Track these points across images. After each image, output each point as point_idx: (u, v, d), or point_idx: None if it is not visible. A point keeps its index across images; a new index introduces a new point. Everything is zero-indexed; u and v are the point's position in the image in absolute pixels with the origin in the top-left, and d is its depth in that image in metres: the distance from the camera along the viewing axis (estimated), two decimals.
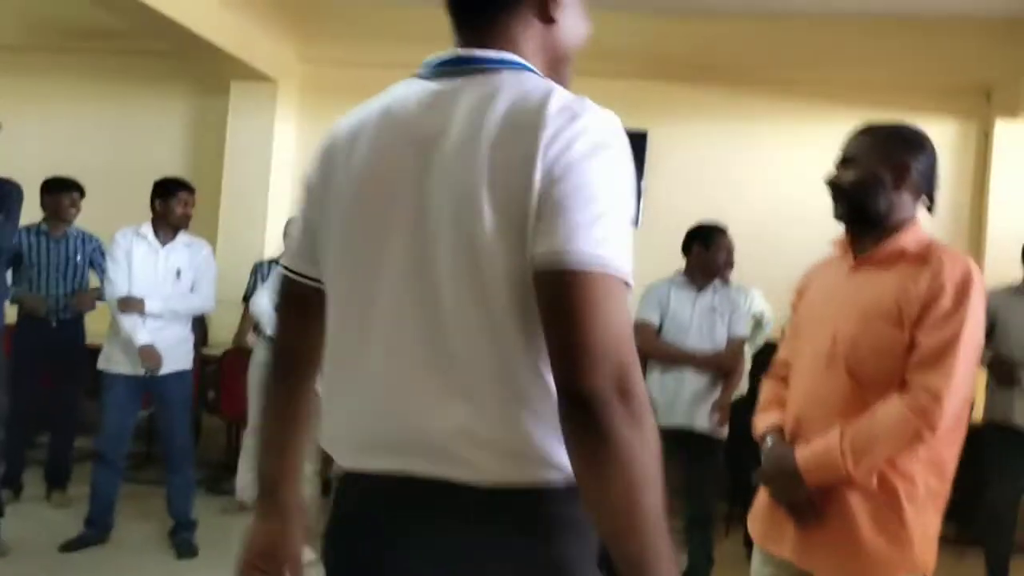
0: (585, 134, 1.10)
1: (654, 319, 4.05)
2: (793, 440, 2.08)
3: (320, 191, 1.29)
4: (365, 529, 1.19)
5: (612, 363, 1.02)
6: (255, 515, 1.42)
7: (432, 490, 1.12)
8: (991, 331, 4.42)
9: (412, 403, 1.14)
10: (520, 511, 1.11)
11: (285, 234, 4.60)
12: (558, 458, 1.09)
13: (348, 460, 1.24)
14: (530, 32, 1.24)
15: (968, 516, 4.75)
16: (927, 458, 1.96)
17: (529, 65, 1.21)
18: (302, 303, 1.35)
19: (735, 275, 4.52)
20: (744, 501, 3.43)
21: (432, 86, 1.22)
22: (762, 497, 2.17)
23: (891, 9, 5.78)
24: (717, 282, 4.18)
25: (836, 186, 2.11)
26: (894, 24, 5.90)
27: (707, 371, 4.03)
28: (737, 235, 4.44)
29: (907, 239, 2.01)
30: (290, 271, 1.36)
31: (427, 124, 1.18)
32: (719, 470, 4.23)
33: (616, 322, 1.03)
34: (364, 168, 1.22)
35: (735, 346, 4.08)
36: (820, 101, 6.14)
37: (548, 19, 1.24)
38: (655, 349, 4.05)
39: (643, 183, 6.21)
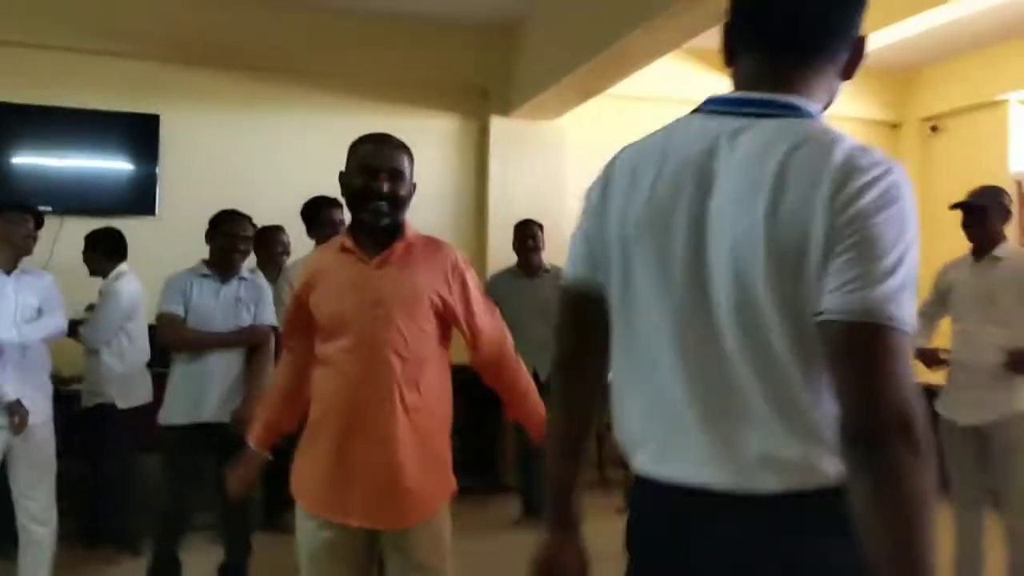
0: (874, 186, 1.11)
1: (178, 310, 3.83)
2: None
3: (599, 210, 1.36)
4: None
5: (896, 414, 1.06)
6: (545, 525, 1.45)
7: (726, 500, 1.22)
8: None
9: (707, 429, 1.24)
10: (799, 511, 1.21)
11: None
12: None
13: (647, 467, 1.32)
14: (826, 84, 1.27)
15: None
16: (440, 388, 2.29)
17: (815, 111, 1.24)
18: (583, 308, 1.41)
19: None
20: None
21: (718, 123, 1.25)
22: (322, 467, 2.22)
23: (398, 9, 6.18)
24: (246, 271, 4.07)
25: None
26: (401, 23, 6.34)
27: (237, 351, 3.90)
28: (259, 220, 4.42)
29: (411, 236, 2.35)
30: (574, 279, 1.42)
31: (712, 162, 1.23)
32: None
33: (904, 373, 1.08)
34: (646, 205, 1.28)
35: (261, 330, 3.99)
36: (335, 92, 6.35)
37: (847, 77, 1.29)
38: (181, 339, 3.84)
39: (158, 169, 5.87)
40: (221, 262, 3.95)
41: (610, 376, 1.42)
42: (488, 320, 2.38)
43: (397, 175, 2.23)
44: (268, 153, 6.20)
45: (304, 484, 2.29)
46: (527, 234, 5.40)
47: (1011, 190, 5.64)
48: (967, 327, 3.67)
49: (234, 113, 6.21)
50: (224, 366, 3.88)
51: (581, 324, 1.44)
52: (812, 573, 1.20)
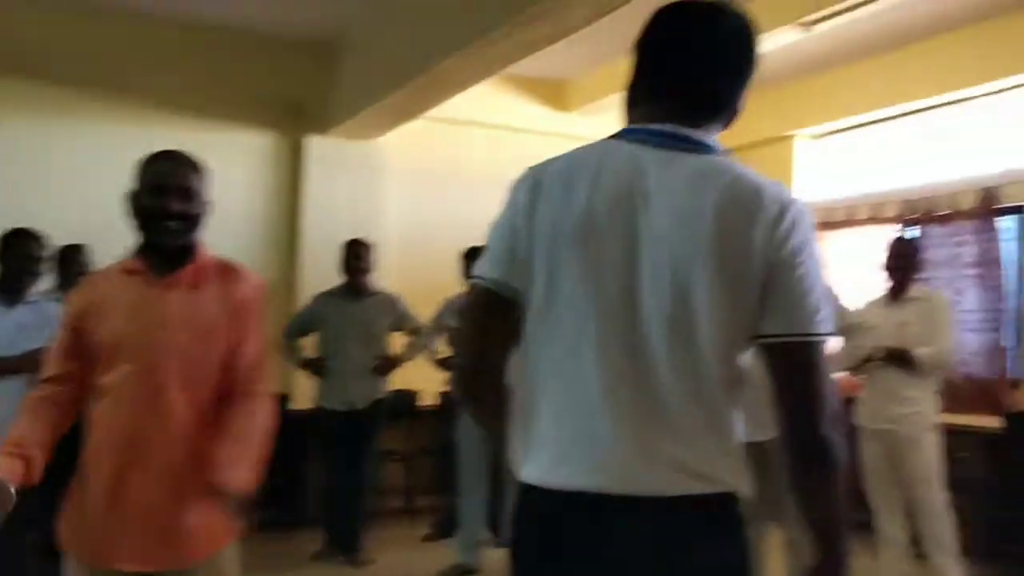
0: (799, 226, 1.35)
1: None
2: None
3: (528, 212, 1.42)
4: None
5: (832, 411, 1.34)
6: None
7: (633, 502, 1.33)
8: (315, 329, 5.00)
9: (630, 440, 1.34)
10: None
11: None
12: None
13: (541, 475, 1.38)
14: (716, 130, 1.48)
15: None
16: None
17: (722, 150, 1.43)
18: (494, 310, 1.44)
19: None
20: None
21: (644, 152, 1.40)
22: (93, 508, 2.08)
23: (214, 20, 5.98)
24: (37, 295, 3.79)
25: None
26: (212, 36, 6.13)
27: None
28: (58, 238, 4.18)
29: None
30: (491, 280, 1.43)
31: (643, 185, 1.37)
32: None
33: (828, 377, 1.36)
34: (583, 214, 1.37)
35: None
36: (145, 104, 6.03)
37: (726, 127, 1.50)
38: None
39: None
40: (9, 285, 3.67)
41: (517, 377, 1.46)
42: (249, 362, 2.22)
43: (187, 193, 2.16)
44: (72, 167, 5.80)
45: (73, 532, 2.13)
46: (355, 254, 5.17)
47: None
48: None
49: (37, 125, 5.78)
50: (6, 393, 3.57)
51: (490, 327, 1.47)
52: (716, 572, 1.35)
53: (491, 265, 1.46)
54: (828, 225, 6.91)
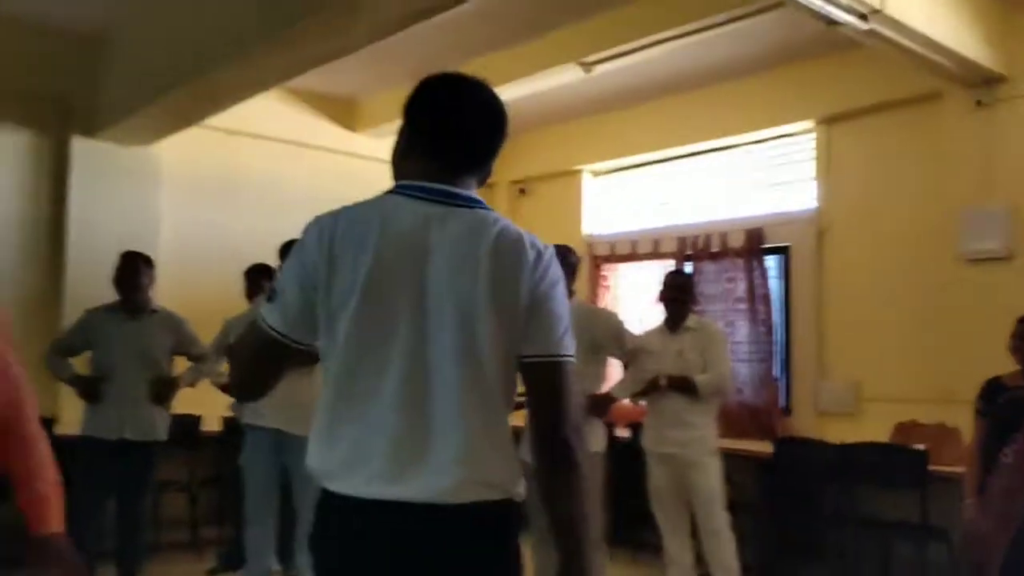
0: (551, 268, 1.62)
1: None
2: None
3: (325, 264, 1.57)
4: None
5: (575, 420, 1.60)
6: None
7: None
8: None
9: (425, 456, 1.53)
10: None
11: None
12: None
13: (359, 489, 1.54)
14: (474, 185, 1.70)
15: None
16: None
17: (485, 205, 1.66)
18: (278, 353, 1.64)
19: None
20: None
21: (423, 207, 1.60)
22: None
23: None
24: None
25: None
26: None
27: None
28: None
29: None
30: (281, 334, 1.61)
31: (426, 237, 1.57)
32: None
33: (576, 393, 1.63)
34: (373, 266, 1.54)
35: None
36: None
37: (481, 185, 1.72)
38: None
39: None
40: None
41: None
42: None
43: None
44: None
45: None
46: (132, 268, 4.58)
47: (582, 250, 6.33)
48: None
49: None
50: None
51: (270, 369, 1.69)
52: (497, 568, 1.59)
53: (283, 318, 1.62)
54: (613, 258, 7.15)
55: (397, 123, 6.46)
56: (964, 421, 4.92)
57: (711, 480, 4.31)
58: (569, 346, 1.63)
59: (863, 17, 4.10)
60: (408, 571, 1.53)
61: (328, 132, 7.17)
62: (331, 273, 1.57)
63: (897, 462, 4.85)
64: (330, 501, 1.58)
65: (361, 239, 1.56)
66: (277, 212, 6.57)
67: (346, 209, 1.63)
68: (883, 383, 5.57)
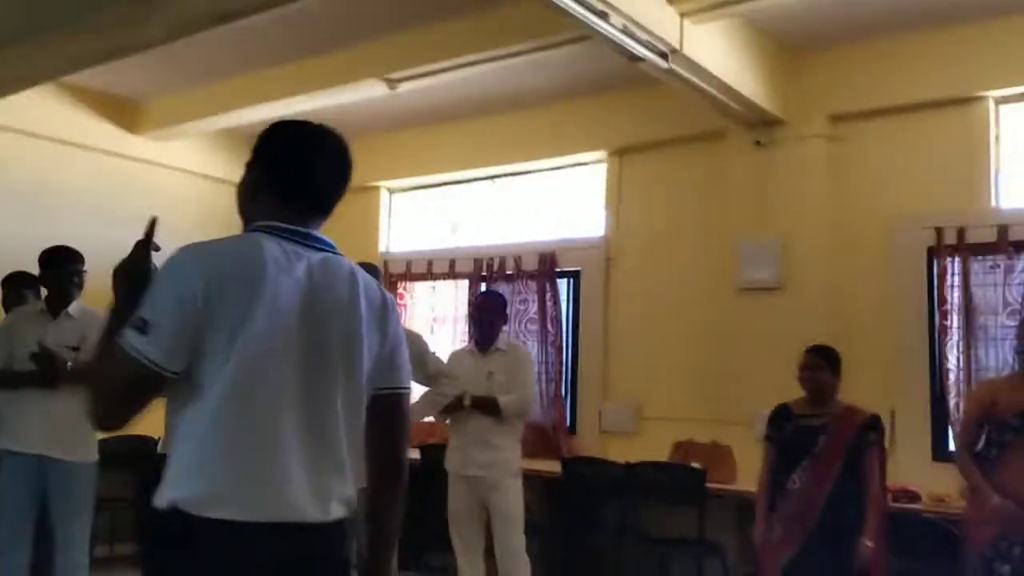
0: (394, 308, 1.90)
1: None
2: None
3: (205, 311, 1.59)
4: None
5: (408, 442, 1.97)
6: None
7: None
8: None
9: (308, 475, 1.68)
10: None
11: None
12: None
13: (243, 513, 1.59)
14: None
15: None
16: None
17: None
18: (152, 387, 1.62)
19: None
20: None
21: (300, 250, 1.72)
22: None
23: None
24: None
25: None
26: None
27: None
28: None
29: None
30: (158, 366, 1.58)
31: (312, 280, 1.71)
32: None
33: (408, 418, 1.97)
34: (271, 303, 1.63)
35: None
36: None
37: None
38: None
39: None
40: None
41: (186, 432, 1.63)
42: None
43: None
44: None
45: None
46: None
47: (379, 265, 6.22)
48: None
49: None
50: None
51: (145, 397, 1.64)
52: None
53: (157, 349, 1.57)
54: (408, 276, 7.08)
55: (181, 127, 6.14)
56: (735, 440, 5.27)
57: (512, 502, 4.33)
58: (408, 379, 1.92)
59: (664, 56, 4.31)
60: None
61: (105, 133, 6.61)
62: (220, 305, 1.59)
63: (676, 480, 5.10)
64: (207, 527, 1.58)
65: (251, 276, 1.63)
66: (43, 215, 6.07)
67: (218, 243, 1.68)
68: (661, 403, 5.85)
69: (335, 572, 1.74)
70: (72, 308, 4.08)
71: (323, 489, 1.67)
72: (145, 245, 1.79)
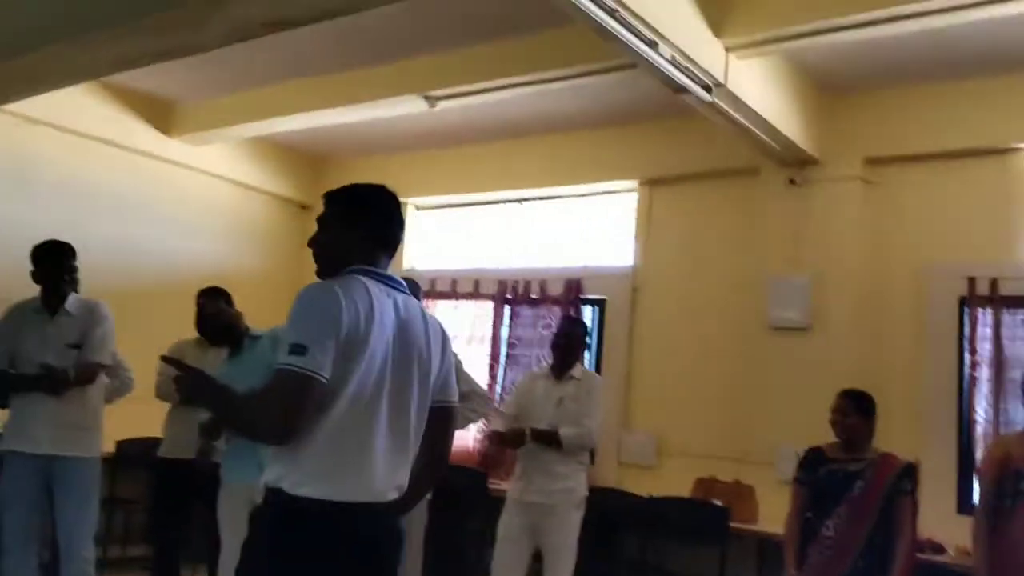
0: (449, 339, 2.39)
1: None
2: None
3: (352, 336, 2.03)
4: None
5: None
6: None
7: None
8: None
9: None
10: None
11: None
12: None
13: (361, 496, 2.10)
14: None
15: None
16: None
17: None
18: (319, 396, 2.01)
19: None
20: None
21: (388, 290, 2.18)
22: None
23: None
24: None
25: None
26: None
27: None
28: None
29: None
30: (321, 375, 1.99)
31: (396, 313, 2.17)
32: None
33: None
34: (379, 331, 2.09)
35: None
36: None
37: None
38: None
39: None
40: None
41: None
42: None
43: None
44: None
45: None
46: None
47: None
48: None
49: None
50: None
51: (313, 408, 2.00)
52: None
53: (316, 364, 1.97)
54: (432, 295, 7.05)
55: (216, 132, 6.10)
56: (757, 480, 5.21)
57: (567, 534, 4.23)
58: (455, 394, 2.45)
59: (707, 89, 4.30)
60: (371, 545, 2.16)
61: (140, 133, 6.63)
62: (349, 330, 2.02)
63: (699, 517, 5.03)
64: (323, 507, 2.04)
65: (368, 309, 2.07)
66: (75, 209, 6.10)
67: (341, 283, 2.09)
68: (683, 438, 5.78)
69: (399, 539, 2.22)
70: (70, 303, 4.05)
71: (396, 477, 2.15)
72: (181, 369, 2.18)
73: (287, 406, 1.97)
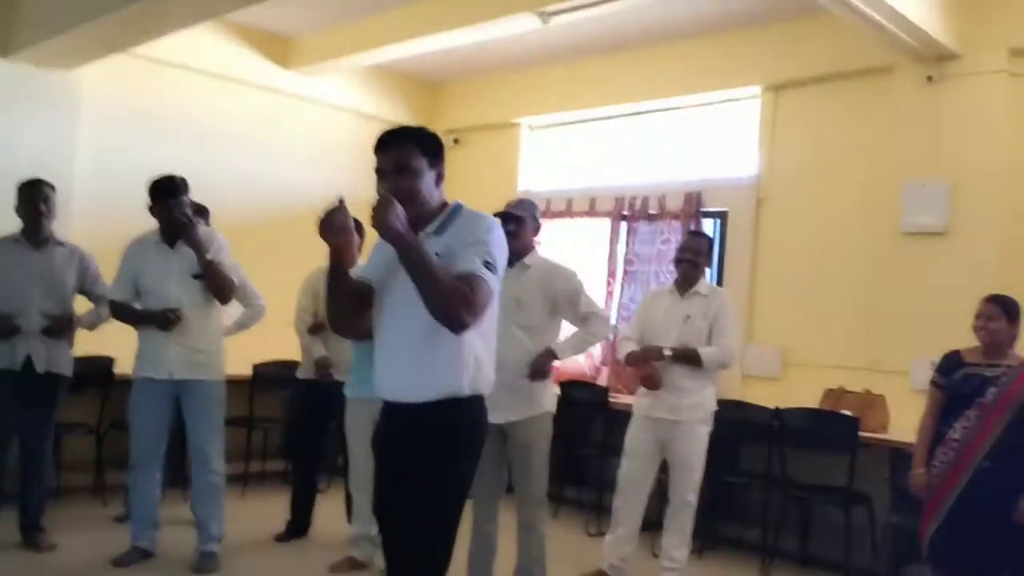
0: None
1: None
2: None
3: (381, 256, 2.49)
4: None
5: None
6: None
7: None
8: None
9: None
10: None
11: None
12: None
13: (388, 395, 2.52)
14: None
15: None
16: None
17: None
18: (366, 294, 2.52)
19: None
20: None
21: None
22: None
23: None
24: None
25: None
26: None
27: None
28: None
29: None
30: (369, 278, 2.52)
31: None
32: None
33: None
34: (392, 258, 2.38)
35: None
36: None
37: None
38: None
39: None
40: None
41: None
42: None
43: None
44: None
45: None
46: (36, 197, 4.36)
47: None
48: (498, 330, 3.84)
49: None
50: None
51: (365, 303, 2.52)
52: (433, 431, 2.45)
53: (370, 273, 2.53)
54: (547, 214, 7.04)
55: (332, 62, 6.21)
56: (888, 390, 5.07)
57: (694, 449, 4.24)
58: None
59: None
60: (397, 437, 2.50)
61: (259, 68, 6.80)
62: (380, 258, 2.52)
63: (828, 428, 4.95)
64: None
65: (382, 245, 2.42)
66: (200, 145, 6.35)
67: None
68: (809, 349, 5.68)
69: None
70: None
71: (416, 381, 2.50)
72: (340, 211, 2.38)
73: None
